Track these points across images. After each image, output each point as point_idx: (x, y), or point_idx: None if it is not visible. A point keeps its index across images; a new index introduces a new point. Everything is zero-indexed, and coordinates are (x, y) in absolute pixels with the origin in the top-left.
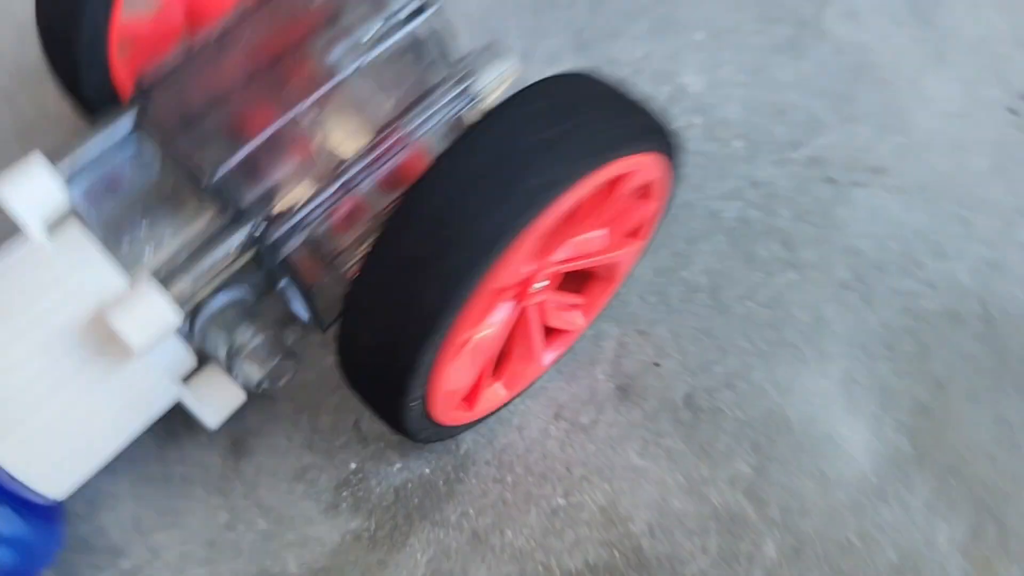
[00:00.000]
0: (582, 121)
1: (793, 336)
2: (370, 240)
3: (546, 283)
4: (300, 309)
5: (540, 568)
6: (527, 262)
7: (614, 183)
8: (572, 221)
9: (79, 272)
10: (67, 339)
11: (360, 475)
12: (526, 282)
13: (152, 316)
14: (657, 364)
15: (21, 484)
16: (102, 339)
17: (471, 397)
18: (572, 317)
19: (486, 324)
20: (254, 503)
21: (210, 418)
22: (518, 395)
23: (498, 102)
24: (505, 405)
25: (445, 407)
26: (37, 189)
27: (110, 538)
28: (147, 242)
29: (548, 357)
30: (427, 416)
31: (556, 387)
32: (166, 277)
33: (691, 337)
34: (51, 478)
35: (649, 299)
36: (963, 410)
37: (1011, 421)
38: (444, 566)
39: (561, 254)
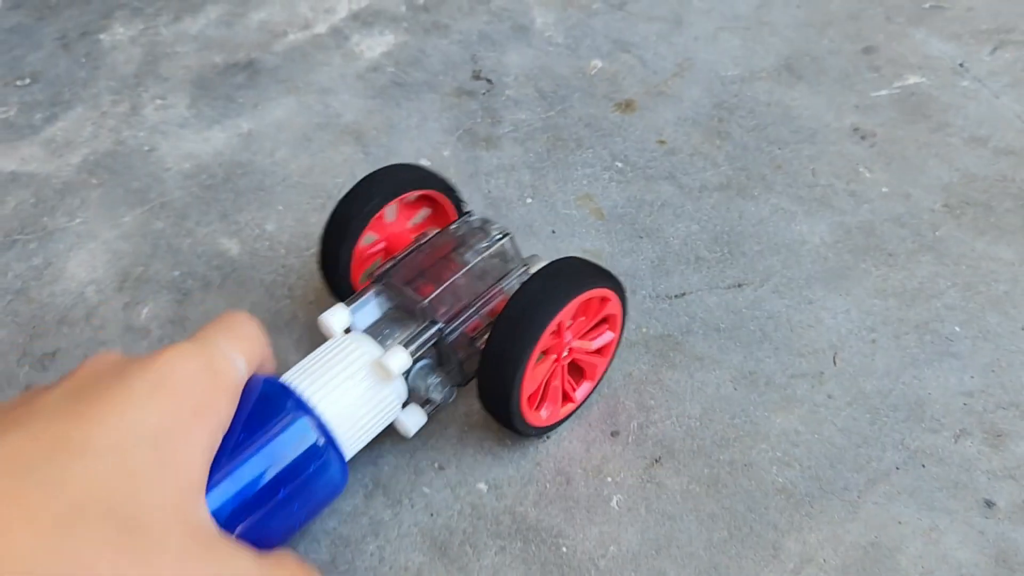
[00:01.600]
0: (573, 274)
1: None
2: (486, 335)
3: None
4: (453, 372)
5: None
6: (552, 339)
7: (587, 304)
8: (572, 324)
9: (366, 346)
10: (365, 372)
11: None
12: (556, 349)
13: (400, 359)
14: None
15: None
16: (380, 375)
17: (545, 408)
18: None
19: (540, 367)
20: None
21: (411, 429)
22: (570, 415)
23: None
24: (563, 420)
25: (528, 413)
26: (341, 316)
27: None
28: (388, 337)
29: (581, 391)
30: (523, 419)
31: None
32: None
33: None
34: (346, 446)
35: None
36: None
37: None
38: None
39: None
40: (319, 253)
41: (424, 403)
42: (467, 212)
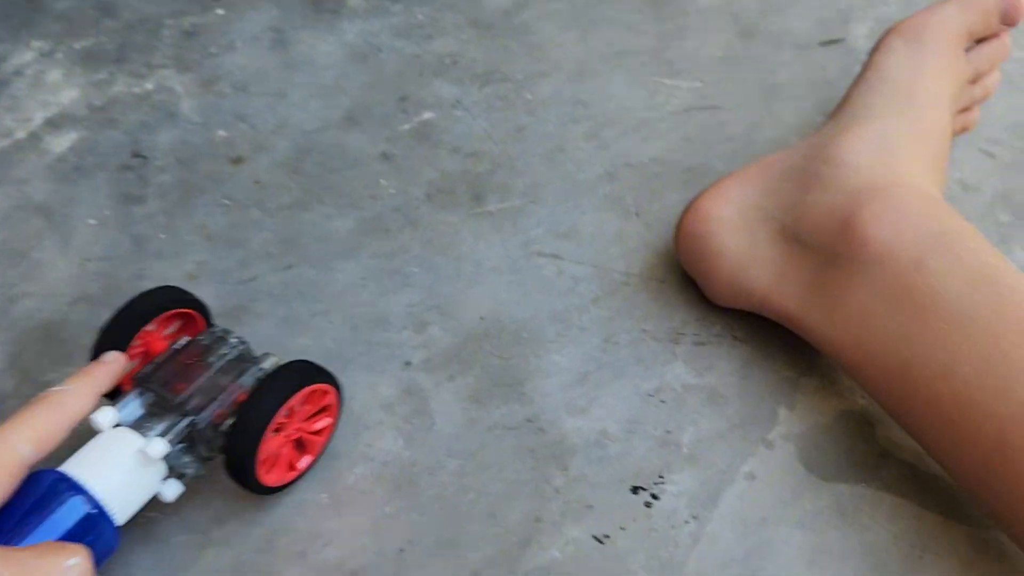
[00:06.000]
0: (298, 373)
1: None
2: (230, 420)
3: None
4: (203, 451)
5: None
6: (281, 421)
7: (310, 395)
8: (296, 413)
9: (130, 438)
10: (132, 459)
11: None
12: (286, 429)
13: (158, 448)
14: None
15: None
16: (143, 460)
17: (275, 473)
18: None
19: (272, 443)
20: None
21: (170, 497)
22: (294, 480)
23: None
24: (296, 479)
25: (263, 478)
26: (109, 415)
27: None
28: (150, 429)
29: (303, 463)
30: (259, 483)
31: None
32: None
33: None
34: (116, 515)
35: None
36: None
37: None
38: None
39: (293, 427)
40: (90, 360)
41: (180, 476)
42: (212, 325)
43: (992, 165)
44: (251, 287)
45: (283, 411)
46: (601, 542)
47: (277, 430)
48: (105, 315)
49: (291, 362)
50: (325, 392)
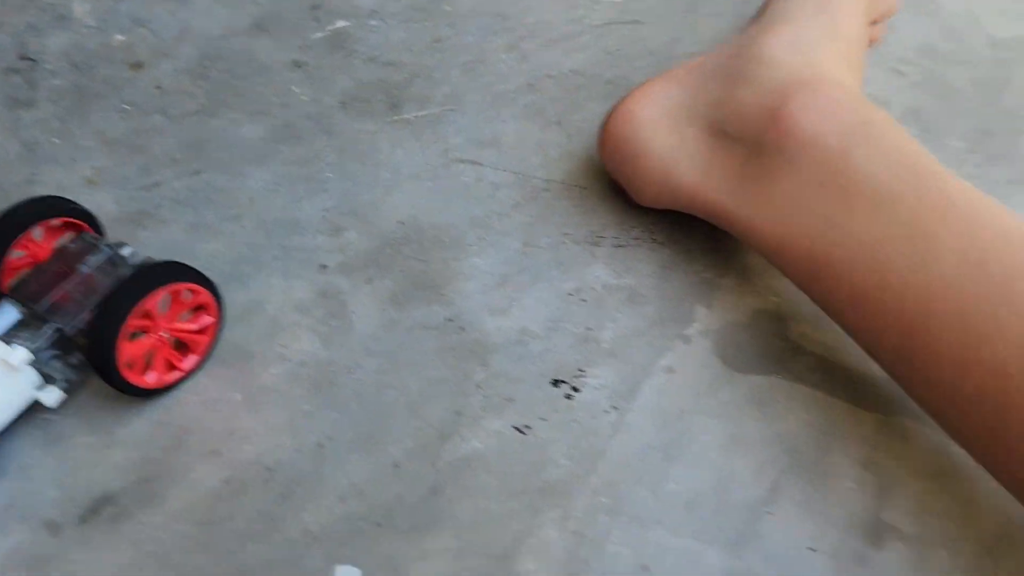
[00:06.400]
0: (158, 273)
1: None
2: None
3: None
4: (77, 357)
5: None
6: (144, 321)
7: (177, 294)
8: (160, 316)
9: None
10: None
11: None
12: (153, 329)
13: (19, 355)
14: None
15: None
16: (6, 368)
17: (153, 375)
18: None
19: (140, 343)
20: None
21: (51, 403)
22: (180, 380)
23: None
24: (176, 384)
25: (132, 379)
26: None
27: None
28: (17, 339)
29: (187, 363)
30: (129, 383)
31: None
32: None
33: None
34: None
35: None
36: None
37: None
38: None
39: (162, 328)
40: None
41: (61, 383)
42: (95, 236)
43: (902, 83)
44: (155, 193)
45: (138, 313)
46: (523, 432)
47: (141, 332)
48: None
49: (148, 264)
50: (195, 291)
